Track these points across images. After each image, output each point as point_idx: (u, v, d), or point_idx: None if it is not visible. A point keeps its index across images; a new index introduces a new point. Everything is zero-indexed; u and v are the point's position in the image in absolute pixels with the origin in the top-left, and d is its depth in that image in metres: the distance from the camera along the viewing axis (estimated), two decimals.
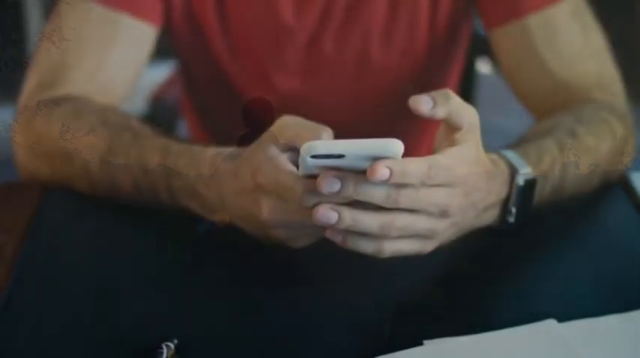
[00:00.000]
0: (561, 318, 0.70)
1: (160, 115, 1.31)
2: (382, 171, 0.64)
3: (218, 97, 1.12)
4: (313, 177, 0.68)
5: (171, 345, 0.67)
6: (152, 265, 0.80)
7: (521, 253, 0.81)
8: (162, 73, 1.41)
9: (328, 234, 0.69)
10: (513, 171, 0.76)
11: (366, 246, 0.69)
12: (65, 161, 0.87)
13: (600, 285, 0.76)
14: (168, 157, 0.81)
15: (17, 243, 0.81)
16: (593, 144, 0.85)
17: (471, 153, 0.70)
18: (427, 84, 1.10)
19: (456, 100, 0.70)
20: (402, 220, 0.68)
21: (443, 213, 0.69)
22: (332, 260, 0.75)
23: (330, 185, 0.66)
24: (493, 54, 1.39)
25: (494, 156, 0.77)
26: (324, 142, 0.65)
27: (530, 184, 0.77)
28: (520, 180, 0.76)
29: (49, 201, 0.88)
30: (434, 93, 0.70)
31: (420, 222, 0.69)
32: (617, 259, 0.80)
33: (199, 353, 0.68)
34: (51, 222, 0.86)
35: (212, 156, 0.78)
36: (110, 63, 0.95)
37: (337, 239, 0.69)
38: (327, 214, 0.67)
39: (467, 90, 1.44)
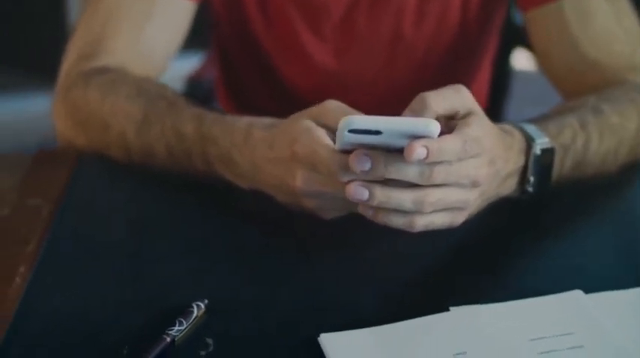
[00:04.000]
0: (587, 290, 0.71)
1: (195, 96, 1.33)
2: (419, 151, 0.65)
3: (254, 75, 1.14)
4: (349, 152, 0.68)
5: (202, 305, 0.68)
6: (183, 231, 0.81)
7: (548, 227, 0.82)
8: (195, 63, 1.44)
9: (360, 210, 0.70)
10: (529, 141, 0.77)
11: (398, 221, 0.70)
12: (102, 129, 0.89)
13: (626, 260, 0.77)
14: (203, 125, 0.83)
15: (53, 206, 0.83)
16: (617, 122, 0.86)
17: (488, 122, 0.72)
18: (458, 64, 1.11)
19: (435, 99, 0.69)
20: (435, 195, 0.68)
21: (474, 184, 0.70)
22: (358, 227, 0.76)
23: (361, 163, 0.66)
24: (528, 44, 1.40)
25: (508, 127, 0.78)
26: (363, 117, 0.65)
27: (548, 154, 0.78)
28: (537, 149, 0.77)
29: (85, 167, 0.90)
30: (413, 110, 0.69)
31: (453, 195, 0.69)
32: None
33: (228, 313, 0.69)
34: (85, 187, 0.88)
35: (246, 124, 0.80)
36: (148, 36, 0.96)
37: (368, 213, 0.70)
38: (359, 191, 0.67)
39: (501, 83, 1.45)
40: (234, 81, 1.19)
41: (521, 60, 1.65)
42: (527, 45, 1.46)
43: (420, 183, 0.67)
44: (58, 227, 0.80)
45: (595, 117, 0.85)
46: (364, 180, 0.68)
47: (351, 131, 0.65)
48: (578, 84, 0.95)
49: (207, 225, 0.82)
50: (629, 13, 0.97)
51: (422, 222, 0.70)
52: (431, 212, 0.69)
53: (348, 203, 0.71)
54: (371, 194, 0.67)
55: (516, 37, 1.43)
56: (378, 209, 0.69)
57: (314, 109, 0.75)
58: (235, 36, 1.10)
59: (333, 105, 0.74)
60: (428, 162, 0.66)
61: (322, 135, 0.72)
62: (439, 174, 0.67)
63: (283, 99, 1.12)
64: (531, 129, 0.78)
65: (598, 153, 0.84)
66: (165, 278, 0.74)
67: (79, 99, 0.92)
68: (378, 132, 0.65)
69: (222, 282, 0.73)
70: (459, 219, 0.72)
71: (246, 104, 1.19)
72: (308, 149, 0.71)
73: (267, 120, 0.80)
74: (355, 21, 1.05)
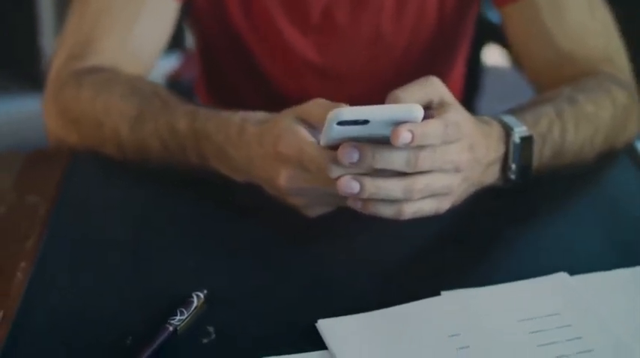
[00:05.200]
0: (572, 272, 0.74)
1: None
2: (404, 135, 0.67)
3: (237, 72, 1.15)
4: (334, 148, 0.71)
5: (201, 295, 0.70)
6: (181, 225, 0.83)
7: (532, 213, 0.85)
8: (172, 64, 1.45)
9: (349, 202, 0.73)
10: (508, 129, 0.80)
11: (387, 210, 0.72)
12: (95, 127, 0.91)
13: (608, 243, 0.80)
14: (197, 121, 0.85)
15: (50, 203, 0.84)
16: (592, 111, 0.89)
17: (464, 110, 0.75)
18: (436, 60, 1.14)
19: (406, 94, 0.72)
20: (421, 181, 0.71)
21: (456, 169, 0.73)
22: (350, 218, 0.78)
23: (349, 155, 0.69)
24: (500, 40, 1.43)
25: (486, 118, 0.81)
26: (350, 109, 0.67)
27: (528, 142, 0.81)
28: (516, 138, 0.80)
29: (80, 164, 0.92)
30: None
31: (438, 181, 0.72)
32: (624, 220, 0.84)
33: (227, 303, 0.71)
34: (81, 184, 0.90)
35: (240, 119, 0.82)
36: (137, 35, 0.98)
37: (357, 206, 0.72)
38: (350, 184, 0.70)
39: (473, 79, 1.48)
40: (216, 79, 1.21)
41: (492, 56, 1.69)
42: (499, 41, 1.50)
43: (406, 170, 0.70)
44: (55, 224, 0.81)
45: (570, 106, 0.88)
46: (353, 174, 0.70)
47: (339, 123, 0.67)
48: (554, 77, 0.98)
49: (204, 218, 0.84)
50: (600, 5, 1.00)
51: (410, 210, 0.72)
52: (418, 199, 0.72)
53: (335, 198, 0.73)
54: (361, 186, 0.70)
55: (487, 33, 1.46)
56: (367, 200, 0.71)
57: (300, 108, 0.76)
58: (218, 34, 1.12)
59: (319, 102, 0.75)
60: (413, 147, 0.69)
61: (306, 133, 0.74)
62: (424, 160, 0.70)
63: (267, 96, 1.13)
64: (509, 118, 0.81)
65: (575, 141, 0.87)
66: (164, 271, 0.75)
67: (72, 99, 0.93)
68: (365, 122, 0.67)
69: (220, 274, 0.75)
70: (444, 205, 0.74)
71: (229, 102, 1.20)
72: (293, 148, 0.73)
73: (259, 115, 0.82)
74: (336, 17, 1.07)
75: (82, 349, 0.66)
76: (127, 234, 0.81)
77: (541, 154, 0.84)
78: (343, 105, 0.73)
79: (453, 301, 0.71)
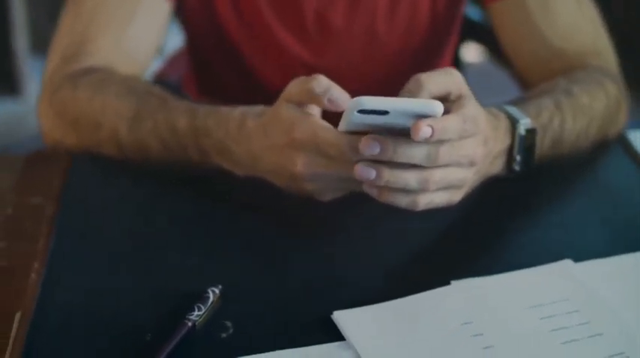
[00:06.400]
0: (576, 259, 0.76)
1: None
2: (425, 130, 0.69)
3: (230, 73, 1.16)
4: (352, 133, 0.72)
5: (217, 290, 0.71)
6: (187, 222, 0.84)
7: (535, 203, 0.87)
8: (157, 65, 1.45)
9: (365, 188, 0.74)
10: (514, 122, 0.82)
11: (401, 200, 0.74)
12: (93, 128, 0.91)
13: (609, 230, 0.82)
14: (197, 118, 0.85)
15: (54, 204, 0.84)
16: (587, 103, 0.91)
17: (478, 104, 0.76)
18: (429, 60, 1.15)
19: (429, 80, 0.73)
20: (438, 174, 0.73)
21: (471, 163, 0.74)
22: (360, 211, 0.80)
23: (370, 148, 0.70)
24: (477, 37, 1.45)
25: (494, 110, 0.83)
26: (372, 98, 0.69)
27: (531, 134, 0.83)
28: (521, 130, 0.82)
29: (82, 164, 0.92)
30: (409, 91, 0.73)
31: (454, 174, 0.74)
32: (621, 207, 0.87)
33: (242, 297, 0.72)
34: (84, 184, 0.90)
35: (240, 113, 0.83)
36: (132, 36, 0.98)
37: (373, 193, 0.74)
38: (367, 171, 0.72)
39: None
40: (208, 79, 1.21)
41: (469, 53, 1.71)
42: (476, 38, 1.52)
43: (426, 164, 0.72)
44: (62, 224, 0.81)
45: (567, 98, 0.90)
46: (371, 160, 0.71)
47: (360, 111, 0.69)
48: (544, 72, 1.00)
49: (211, 215, 0.84)
50: (587, 1, 1.02)
51: (424, 201, 0.74)
52: (433, 191, 0.73)
53: (349, 183, 0.75)
54: (378, 174, 0.71)
55: (465, 30, 1.47)
56: (383, 188, 0.73)
57: (284, 93, 0.78)
58: (209, 34, 1.12)
59: (295, 81, 0.78)
60: (433, 143, 0.71)
61: (319, 119, 0.76)
62: (444, 154, 0.72)
63: (260, 96, 1.13)
64: (514, 110, 0.83)
65: (572, 132, 0.90)
66: (175, 268, 0.76)
67: (68, 100, 0.93)
68: (385, 113, 0.69)
69: (227, 270, 0.76)
70: (456, 197, 0.76)
71: (221, 101, 1.21)
72: (309, 133, 0.75)
73: (258, 109, 0.83)
74: (330, 19, 1.08)
75: (103, 347, 0.67)
76: (134, 232, 0.81)
77: (542, 145, 0.86)
78: (322, 76, 0.76)
79: (463, 290, 0.72)
